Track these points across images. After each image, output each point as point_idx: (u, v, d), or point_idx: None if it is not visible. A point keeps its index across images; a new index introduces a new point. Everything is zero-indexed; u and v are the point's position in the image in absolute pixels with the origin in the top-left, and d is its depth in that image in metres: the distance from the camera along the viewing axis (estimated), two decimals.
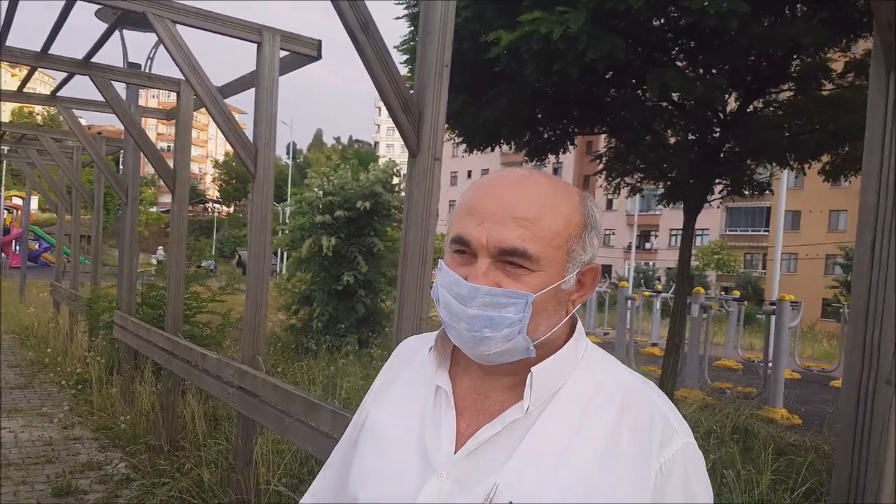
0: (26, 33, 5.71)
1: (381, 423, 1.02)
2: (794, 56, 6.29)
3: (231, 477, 4.04)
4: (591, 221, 0.93)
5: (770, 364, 8.80)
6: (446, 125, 7.16)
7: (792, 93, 6.97)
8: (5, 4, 4.54)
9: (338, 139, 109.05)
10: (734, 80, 6.36)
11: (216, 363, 4.35)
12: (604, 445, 0.87)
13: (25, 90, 7.28)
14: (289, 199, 13.09)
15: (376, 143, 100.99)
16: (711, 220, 46.31)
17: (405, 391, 1.03)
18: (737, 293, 16.51)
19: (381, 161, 10.58)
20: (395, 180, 10.21)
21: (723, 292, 32.83)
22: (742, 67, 6.23)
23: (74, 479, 4.66)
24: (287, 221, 11.56)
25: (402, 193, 10.18)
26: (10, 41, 5.20)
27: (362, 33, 2.69)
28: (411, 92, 2.83)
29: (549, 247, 0.88)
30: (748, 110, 6.82)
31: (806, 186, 36.92)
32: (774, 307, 9.05)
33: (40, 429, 5.89)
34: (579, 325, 0.99)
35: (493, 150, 7.71)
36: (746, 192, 7.98)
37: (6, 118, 54.16)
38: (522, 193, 0.89)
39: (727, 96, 6.64)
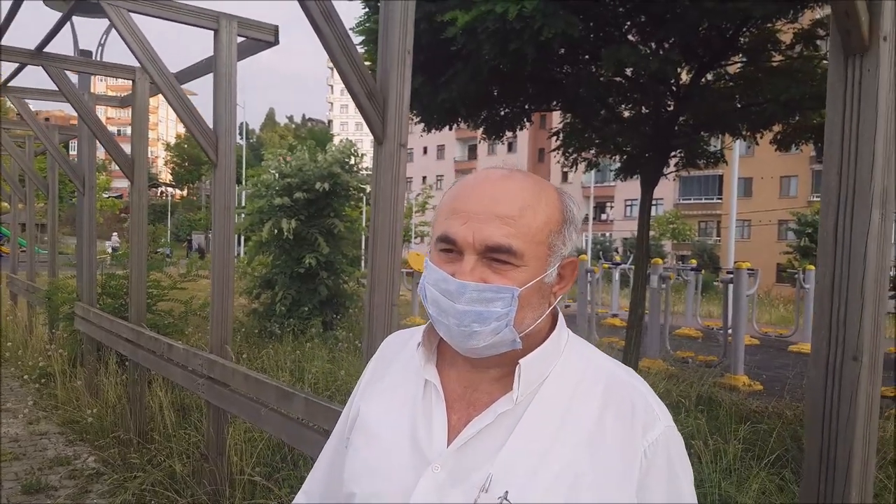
0: None
1: (372, 419, 1.04)
2: (744, 28, 6.44)
3: (204, 467, 4.05)
4: (569, 217, 0.97)
5: (730, 332, 9.03)
6: None
7: (743, 65, 7.15)
8: None
9: (290, 118, 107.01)
10: (686, 53, 6.48)
11: (184, 354, 4.32)
12: (590, 432, 0.92)
13: None
14: (244, 181, 12.87)
15: (330, 122, 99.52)
16: (665, 189, 47.10)
17: (394, 387, 1.06)
18: (694, 262, 16.93)
19: (337, 140, 10.47)
20: (353, 160, 10.14)
21: (679, 262, 33.59)
22: (694, 41, 6.35)
23: (44, 476, 4.60)
24: (244, 204, 11.40)
25: (361, 173, 10.14)
26: None
27: (325, 23, 2.68)
28: (373, 74, 2.84)
29: (531, 242, 0.92)
30: (701, 83, 6.97)
31: (757, 154, 37.82)
32: (732, 275, 9.28)
33: (5, 425, 5.77)
34: (560, 316, 1.03)
35: (450, 128, 7.73)
36: (701, 163, 8.18)
37: None
38: (504, 192, 0.93)
39: (680, 70, 6.78)
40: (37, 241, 13.16)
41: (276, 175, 9.56)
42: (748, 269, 9.27)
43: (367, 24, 6.08)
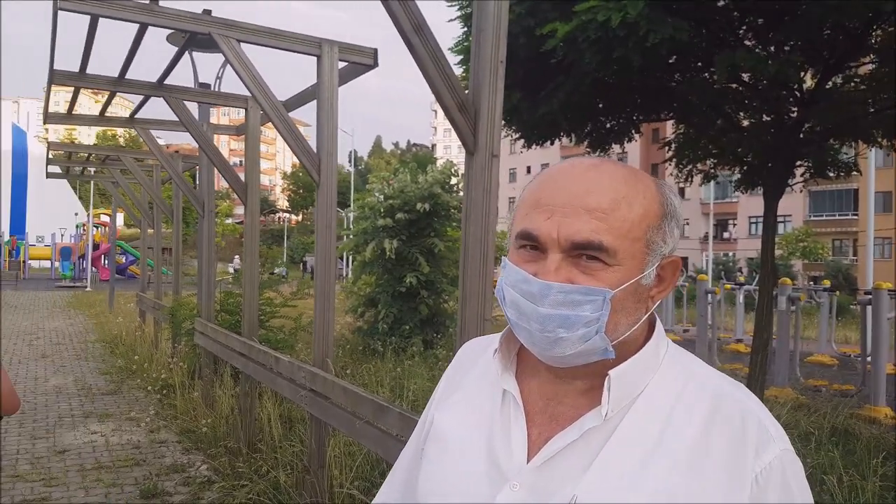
0: (105, 61, 6.01)
1: (447, 431, 0.97)
2: (874, 26, 5.90)
3: (306, 479, 4.12)
4: (670, 210, 0.87)
5: (869, 359, 8.24)
6: (503, 122, 7.13)
7: (875, 65, 6.54)
8: (85, 36, 4.78)
9: (396, 144, 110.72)
10: (810, 55, 6.02)
11: (289, 366, 4.45)
12: (690, 454, 0.81)
13: (107, 114, 7.72)
14: (352, 204, 13.44)
15: (434, 146, 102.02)
16: (793, 205, 44.12)
17: (470, 397, 0.99)
18: (827, 283, 15.55)
19: (439, 162, 10.65)
20: (454, 180, 10.24)
21: (811, 282, 31.23)
22: (817, 42, 5.89)
23: (160, 482, 4.87)
24: (351, 227, 11.81)
25: (461, 193, 10.22)
26: (90, 69, 5.50)
27: (416, 36, 2.69)
28: (466, 91, 2.81)
29: (626, 239, 0.82)
30: (827, 86, 6.44)
31: None
32: (870, 297, 8.46)
33: (129, 433, 6.20)
34: (659, 323, 0.92)
35: (552, 143, 7.59)
36: (831, 174, 7.55)
37: (92, 141, 57.71)
38: (594, 183, 0.83)
39: (803, 73, 6.30)
40: (164, 263, 14.22)
41: (380, 197, 9.82)
42: (889, 291, 8.40)
43: (465, 44, 6.11)
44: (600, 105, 6.89)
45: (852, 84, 6.63)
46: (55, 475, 5.01)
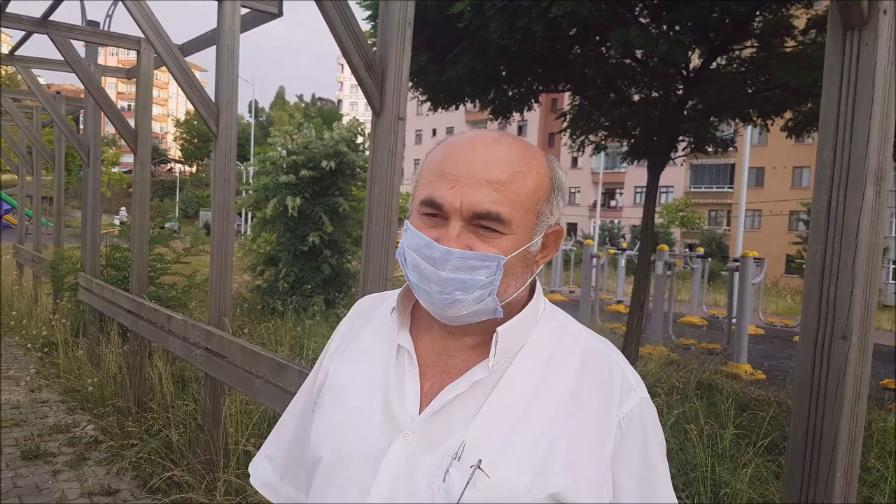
0: None
1: (342, 383, 1.01)
2: (758, 13, 6.35)
3: (200, 438, 4.08)
4: (557, 185, 0.95)
5: (734, 320, 9.05)
6: (410, 83, 7.12)
7: (755, 50, 7.05)
8: None
9: (300, 97, 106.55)
10: (698, 37, 6.40)
11: (182, 325, 4.34)
12: (566, 400, 0.90)
13: None
14: (252, 158, 12.95)
15: (339, 101, 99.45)
16: (676, 177, 46.90)
17: (366, 350, 1.03)
18: (701, 250, 16.86)
19: (345, 119, 10.47)
20: (360, 139, 10.11)
21: (687, 249, 33.51)
22: (705, 24, 6.27)
23: (43, 442, 4.66)
24: (251, 181, 11.42)
25: (367, 153, 10.14)
26: None
27: None
28: (374, 50, 2.81)
29: (520, 210, 0.89)
30: (712, 67, 6.89)
31: (770, 143, 37.46)
32: (738, 264, 9.28)
33: (7, 392, 5.84)
34: (538, 285, 1.01)
35: (457, 108, 7.67)
36: (710, 149, 8.11)
37: None
38: (495, 157, 0.89)
39: (690, 53, 6.70)
40: (44, 213, 13.24)
41: (283, 152, 9.55)
42: (755, 259, 9.25)
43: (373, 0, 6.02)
44: (503, 73, 7.02)
45: (734, 66, 7.13)
46: None
